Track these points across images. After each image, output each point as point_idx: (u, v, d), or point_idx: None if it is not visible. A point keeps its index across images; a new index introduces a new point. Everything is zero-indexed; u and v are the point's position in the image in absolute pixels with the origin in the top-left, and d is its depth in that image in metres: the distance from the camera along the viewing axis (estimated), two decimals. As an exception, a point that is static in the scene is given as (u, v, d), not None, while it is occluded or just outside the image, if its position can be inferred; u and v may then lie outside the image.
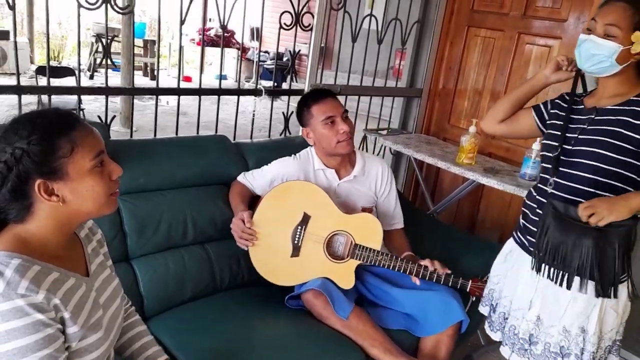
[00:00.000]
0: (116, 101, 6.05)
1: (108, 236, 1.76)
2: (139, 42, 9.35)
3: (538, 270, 1.53)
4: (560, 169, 1.53)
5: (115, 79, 6.33)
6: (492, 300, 1.77)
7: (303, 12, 2.62)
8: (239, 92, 2.69)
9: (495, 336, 1.75)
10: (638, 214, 1.42)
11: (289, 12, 2.57)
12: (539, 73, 1.67)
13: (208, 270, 1.99)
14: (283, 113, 2.77)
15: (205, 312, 1.86)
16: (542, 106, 1.69)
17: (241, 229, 1.91)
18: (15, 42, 1.85)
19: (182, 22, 2.32)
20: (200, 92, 2.49)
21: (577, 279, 1.47)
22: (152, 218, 1.90)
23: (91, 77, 8.55)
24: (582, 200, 1.44)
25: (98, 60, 8.61)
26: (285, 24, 2.57)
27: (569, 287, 1.47)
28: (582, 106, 1.55)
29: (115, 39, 6.46)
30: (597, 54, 1.42)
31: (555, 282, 1.49)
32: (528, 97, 1.72)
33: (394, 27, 3.05)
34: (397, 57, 3.48)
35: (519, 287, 1.64)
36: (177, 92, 2.46)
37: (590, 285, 1.46)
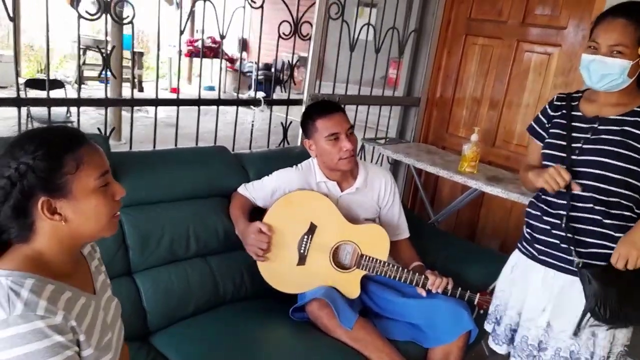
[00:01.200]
0: (104, 113, 6.02)
1: (110, 250, 1.76)
2: (127, 53, 9.40)
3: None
4: None
5: (102, 91, 6.33)
6: (497, 314, 1.76)
7: (301, 22, 2.61)
8: (237, 102, 2.67)
9: (501, 349, 1.73)
10: None
11: (288, 22, 2.56)
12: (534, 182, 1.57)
13: (211, 284, 1.96)
14: (282, 123, 2.76)
15: (209, 326, 1.83)
16: (535, 126, 1.68)
17: (263, 239, 1.88)
18: (16, 55, 1.82)
19: (181, 32, 2.31)
20: (199, 102, 2.47)
21: None
22: (155, 231, 1.87)
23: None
24: (586, 206, 1.47)
25: (86, 73, 8.67)
26: (284, 33, 2.56)
27: None
28: (580, 113, 1.56)
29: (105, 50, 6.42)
30: (609, 74, 1.43)
31: None
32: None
33: (391, 36, 3.05)
34: (392, 67, 3.48)
35: (529, 297, 1.63)
36: (177, 102, 2.45)
37: None
